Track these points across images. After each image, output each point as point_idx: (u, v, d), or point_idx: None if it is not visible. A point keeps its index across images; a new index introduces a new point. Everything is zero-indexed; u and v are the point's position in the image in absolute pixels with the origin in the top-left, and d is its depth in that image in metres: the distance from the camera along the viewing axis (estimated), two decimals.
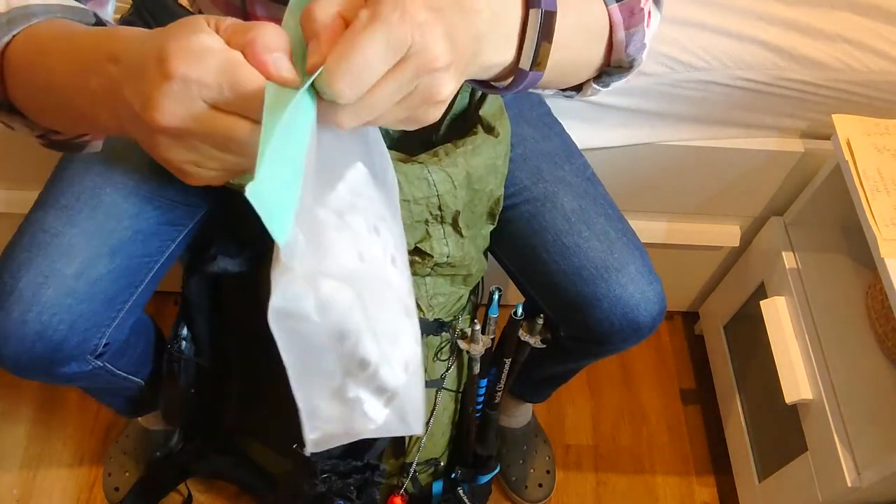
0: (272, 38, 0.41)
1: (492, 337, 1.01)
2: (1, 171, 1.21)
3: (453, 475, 1.17)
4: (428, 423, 1.05)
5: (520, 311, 0.99)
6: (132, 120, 0.42)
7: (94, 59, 0.46)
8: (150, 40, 0.42)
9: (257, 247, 0.92)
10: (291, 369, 0.41)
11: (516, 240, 0.93)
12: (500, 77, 0.54)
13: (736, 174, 1.23)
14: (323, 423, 0.44)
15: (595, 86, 0.66)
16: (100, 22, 0.59)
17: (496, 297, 0.98)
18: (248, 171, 0.41)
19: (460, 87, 0.50)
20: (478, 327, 0.97)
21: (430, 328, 0.95)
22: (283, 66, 0.41)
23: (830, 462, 1.05)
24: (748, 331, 1.33)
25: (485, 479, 1.22)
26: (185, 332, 1.04)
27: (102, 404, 1.17)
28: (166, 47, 0.40)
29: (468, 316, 1.02)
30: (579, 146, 0.98)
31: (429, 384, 1.01)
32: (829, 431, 1.05)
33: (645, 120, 1.14)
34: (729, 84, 1.09)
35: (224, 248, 0.94)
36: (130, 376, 0.99)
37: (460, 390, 1.07)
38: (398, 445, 1.08)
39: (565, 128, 1.00)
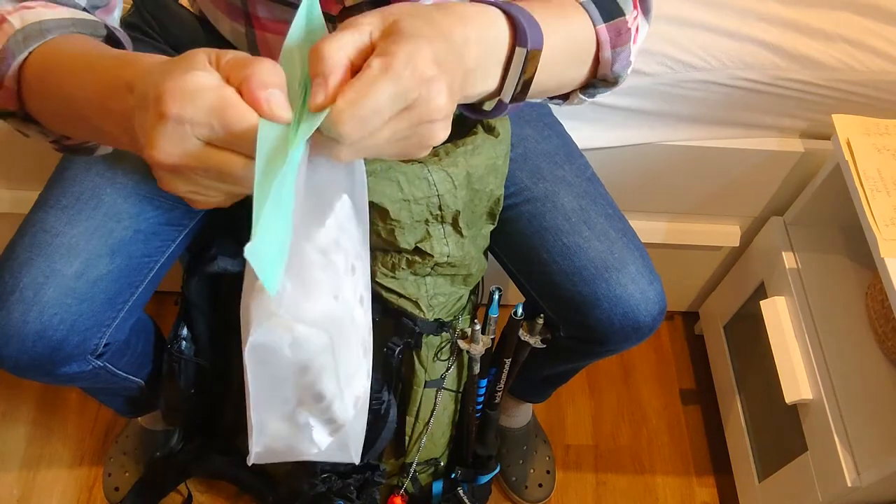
0: (268, 75, 0.42)
1: (492, 337, 1.01)
2: (2, 171, 1.21)
3: (453, 475, 1.17)
4: (428, 423, 1.05)
5: (520, 311, 0.99)
6: (141, 151, 0.44)
7: (114, 87, 0.48)
8: (154, 74, 0.44)
9: None
10: (252, 391, 0.43)
11: (516, 240, 0.93)
12: (482, 101, 0.56)
13: (736, 174, 1.23)
14: (269, 440, 0.47)
15: (581, 96, 0.67)
16: (111, 34, 0.61)
17: (496, 297, 0.98)
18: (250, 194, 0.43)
19: None
20: (478, 327, 0.97)
21: (430, 328, 0.95)
22: (276, 102, 0.42)
23: (830, 462, 1.05)
24: (748, 331, 1.34)
25: (485, 479, 1.22)
26: (185, 332, 1.04)
27: (102, 404, 1.17)
28: (161, 86, 0.42)
29: (468, 316, 1.02)
30: (579, 146, 0.98)
31: (429, 384, 1.01)
32: (829, 431, 1.05)
33: (645, 120, 1.14)
34: (729, 84, 1.09)
35: (224, 248, 0.94)
36: (130, 376, 0.99)
37: (460, 390, 1.07)
38: (398, 445, 1.08)
39: (565, 128, 1.00)
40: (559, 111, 1.02)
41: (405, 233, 0.85)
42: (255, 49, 0.81)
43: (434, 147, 0.48)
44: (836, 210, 1.19)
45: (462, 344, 0.99)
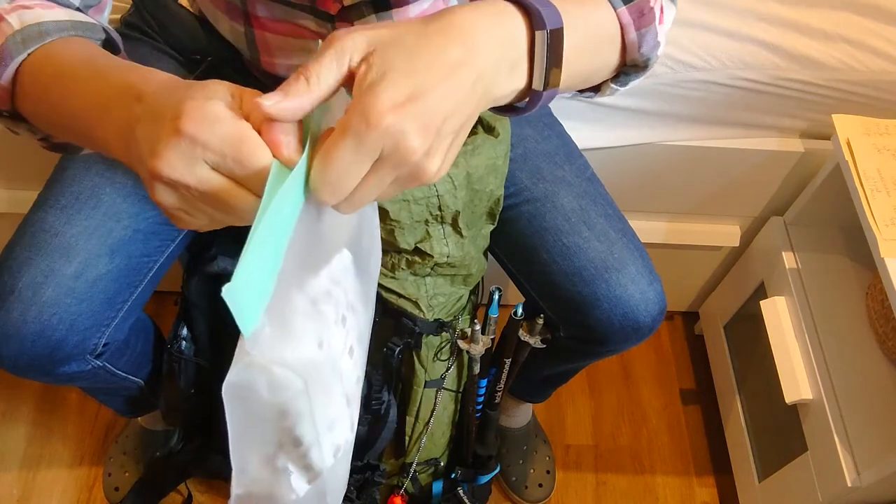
0: (288, 123, 0.44)
1: (492, 337, 1.01)
2: (1, 171, 1.21)
3: (453, 475, 1.17)
4: (428, 423, 1.05)
5: (520, 311, 0.99)
6: (138, 159, 0.45)
7: (120, 94, 0.48)
8: (174, 92, 0.45)
9: None
10: (232, 431, 0.44)
11: (516, 240, 0.93)
12: (517, 99, 0.54)
13: (736, 174, 1.23)
14: (250, 483, 0.47)
15: (613, 86, 0.65)
16: (109, 38, 0.61)
17: (496, 297, 0.98)
18: (235, 224, 0.45)
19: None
20: (478, 327, 0.97)
21: (430, 328, 0.95)
22: (292, 148, 0.44)
23: (830, 462, 1.05)
24: (748, 331, 1.33)
25: (485, 479, 1.22)
26: (185, 332, 1.04)
27: (102, 404, 1.17)
28: (183, 105, 0.42)
29: (468, 316, 1.02)
30: (579, 146, 0.98)
31: (429, 384, 1.01)
32: (829, 431, 1.05)
33: (645, 120, 1.14)
34: (729, 84, 1.09)
35: (224, 248, 0.94)
36: (130, 376, 0.99)
37: (460, 390, 1.07)
38: (398, 445, 1.08)
39: (565, 128, 1.00)
40: (559, 111, 1.02)
41: (405, 233, 0.85)
42: (254, 48, 0.81)
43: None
44: (836, 210, 1.19)
45: (462, 344, 0.99)
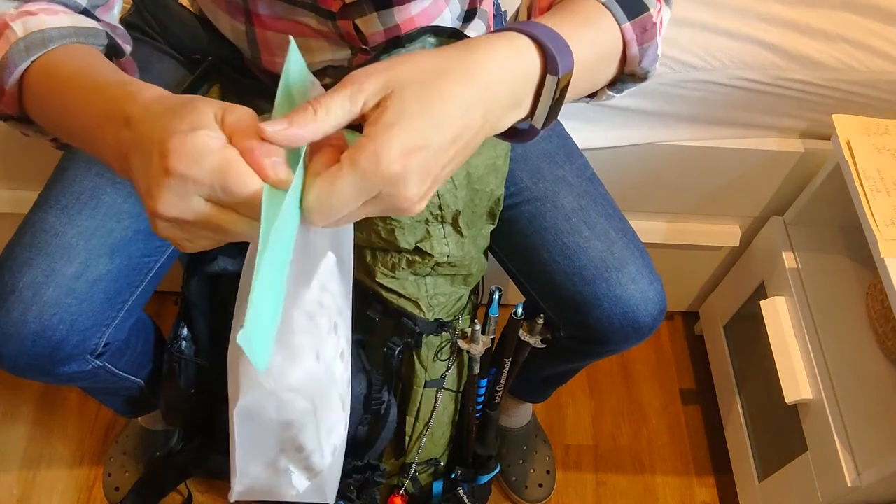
0: (270, 145, 0.44)
1: (492, 337, 1.01)
2: (2, 171, 1.21)
3: (453, 475, 1.17)
4: (428, 423, 1.05)
5: (520, 311, 0.99)
6: (138, 191, 0.46)
7: (109, 118, 0.49)
8: (160, 120, 0.45)
9: None
10: (238, 444, 0.46)
11: (516, 239, 0.93)
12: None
13: (736, 174, 1.23)
14: (250, 480, 0.49)
15: (609, 92, 0.66)
16: (112, 42, 0.62)
17: (496, 297, 0.98)
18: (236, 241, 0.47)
19: None
20: (478, 327, 0.97)
21: (430, 328, 0.95)
22: (280, 169, 0.44)
23: (830, 462, 1.05)
24: (748, 331, 1.34)
25: (485, 479, 1.22)
26: (185, 332, 1.04)
27: (102, 404, 1.17)
28: (169, 142, 0.43)
29: (468, 316, 1.02)
30: (579, 146, 0.98)
31: (429, 384, 1.01)
32: (829, 431, 1.05)
33: (645, 120, 1.14)
34: (729, 84, 1.09)
35: (224, 248, 0.94)
36: (130, 376, 0.99)
37: (460, 390, 1.07)
38: (398, 445, 1.08)
39: (566, 128, 1.00)
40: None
41: (405, 232, 0.85)
42: (255, 47, 0.81)
43: None
44: (836, 210, 1.19)
45: (462, 344, 0.99)
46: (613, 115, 1.13)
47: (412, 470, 1.11)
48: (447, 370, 1.01)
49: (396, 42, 0.77)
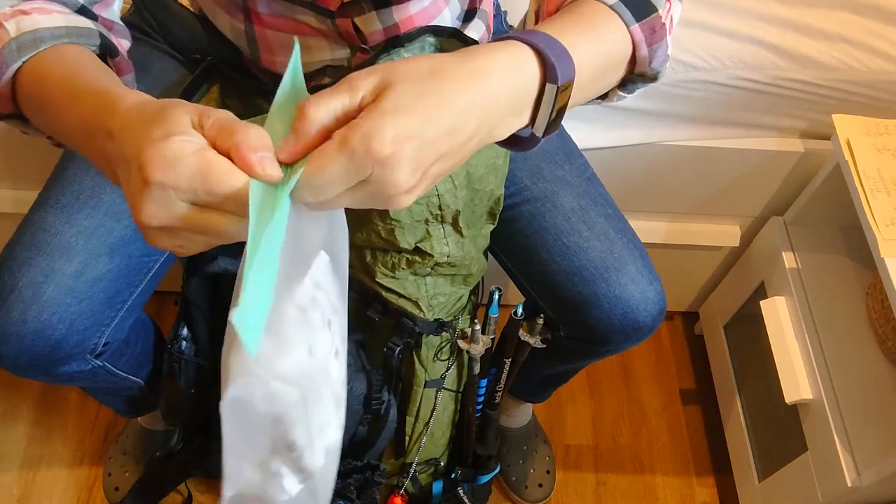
0: (256, 139, 0.44)
1: (492, 337, 1.01)
2: (2, 171, 1.21)
3: (453, 475, 1.17)
4: (428, 423, 1.05)
5: (520, 311, 0.98)
6: (130, 209, 0.46)
7: (93, 130, 0.49)
8: (137, 130, 0.45)
9: None
10: (227, 439, 0.45)
11: (516, 239, 0.93)
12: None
13: (736, 174, 1.23)
14: (241, 485, 0.48)
15: (620, 93, 0.65)
16: (105, 41, 0.62)
17: (496, 297, 0.98)
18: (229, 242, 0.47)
19: None
20: (478, 327, 0.97)
21: (430, 328, 0.95)
22: (267, 164, 0.44)
23: (830, 462, 1.05)
24: (748, 331, 1.33)
25: (485, 479, 1.22)
26: (185, 332, 1.04)
27: (102, 404, 1.17)
28: (144, 153, 0.43)
29: (468, 316, 1.02)
30: (579, 146, 0.98)
31: (429, 384, 1.01)
32: (829, 431, 1.05)
33: (645, 120, 1.14)
34: (729, 84, 1.09)
35: (224, 248, 0.94)
36: (130, 376, 0.99)
37: (460, 390, 1.07)
38: (398, 445, 1.08)
39: (566, 128, 1.00)
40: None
41: (405, 232, 0.85)
42: (254, 46, 0.81)
43: None
44: (836, 210, 1.19)
45: (462, 344, 0.99)
46: (613, 115, 1.13)
47: (412, 470, 1.11)
48: (447, 370, 1.01)
49: (396, 41, 0.77)
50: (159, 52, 0.89)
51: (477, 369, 1.04)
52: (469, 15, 0.86)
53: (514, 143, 0.57)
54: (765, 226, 1.29)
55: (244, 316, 0.40)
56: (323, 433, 0.51)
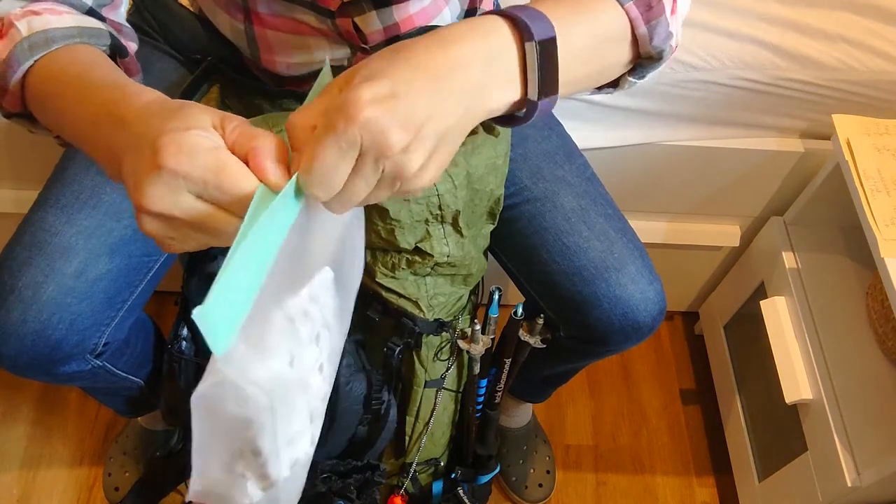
0: (274, 149, 0.45)
1: (492, 337, 1.01)
2: (3, 171, 1.21)
3: (453, 475, 1.17)
4: (428, 423, 1.05)
5: (520, 311, 0.98)
6: (127, 189, 0.46)
7: (106, 121, 0.49)
8: (153, 121, 0.46)
9: None
10: (196, 436, 0.45)
11: (516, 239, 0.93)
12: (515, 108, 0.55)
13: (736, 174, 1.23)
14: (208, 483, 0.49)
15: (631, 79, 0.65)
16: (115, 42, 0.62)
17: (496, 297, 0.98)
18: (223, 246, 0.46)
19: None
20: (478, 327, 0.97)
21: (430, 328, 0.95)
22: (281, 174, 0.45)
23: (830, 462, 1.05)
24: (748, 331, 1.33)
25: (485, 479, 1.22)
26: (185, 332, 1.04)
27: (102, 404, 1.17)
28: (161, 138, 0.43)
29: (468, 316, 1.02)
30: (579, 146, 0.98)
31: (429, 384, 1.00)
32: (829, 431, 1.05)
33: (645, 120, 1.14)
34: (729, 84, 1.09)
35: (224, 249, 0.94)
36: (130, 376, 0.99)
37: (460, 390, 1.07)
38: (398, 445, 1.08)
39: (566, 128, 1.00)
40: (559, 111, 1.02)
41: (405, 232, 0.85)
42: (254, 46, 0.81)
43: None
44: (836, 210, 1.19)
45: (462, 344, 0.99)
46: (613, 115, 1.13)
47: (412, 470, 1.11)
48: (447, 370, 1.01)
49: (395, 41, 0.77)
50: (159, 52, 0.89)
51: (477, 369, 1.04)
52: (469, 14, 0.86)
53: (516, 119, 0.56)
54: (765, 226, 1.29)
55: (209, 315, 0.40)
56: (292, 445, 0.51)
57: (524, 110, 0.54)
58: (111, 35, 0.62)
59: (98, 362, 0.87)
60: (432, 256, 0.87)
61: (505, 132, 0.88)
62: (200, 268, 0.96)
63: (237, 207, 0.44)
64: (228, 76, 0.86)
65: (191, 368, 1.06)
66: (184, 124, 0.44)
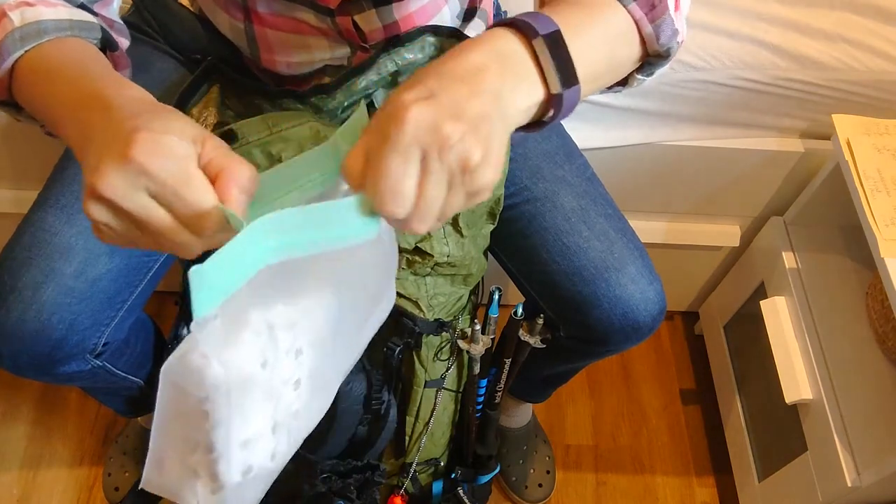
0: (245, 178, 0.46)
1: (492, 337, 1.01)
2: (3, 170, 1.21)
3: (453, 475, 1.17)
4: (428, 423, 1.05)
5: (520, 311, 0.98)
6: (85, 167, 0.46)
7: (90, 103, 0.50)
8: (137, 115, 0.46)
9: None
10: (158, 418, 0.46)
11: (516, 239, 0.93)
12: (544, 112, 0.55)
13: (736, 174, 1.23)
14: (162, 473, 0.49)
15: (639, 77, 0.66)
16: (106, 36, 0.62)
17: (496, 297, 0.98)
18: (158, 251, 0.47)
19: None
20: (478, 327, 0.97)
21: (430, 328, 0.95)
22: (242, 203, 0.46)
23: (830, 462, 1.05)
24: (748, 331, 1.33)
25: (485, 479, 1.22)
26: (185, 332, 1.03)
27: (102, 404, 1.17)
28: (139, 133, 0.44)
29: (468, 316, 1.02)
30: (579, 146, 0.98)
31: (429, 384, 1.00)
32: (829, 431, 1.05)
33: (645, 120, 1.14)
34: (729, 84, 1.09)
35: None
36: (130, 376, 0.99)
37: (460, 390, 1.07)
38: (398, 445, 1.08)
39: (566, 128, 1.00)
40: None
41: (405, 232, 0.85)
42: (254, 45, 0.81)
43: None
44: (836, 210, 1.19)
45: (462, 344, 0.99)
46: (613, 115, 1.13)
47: (412, 470, 1.11)
48: (447, 370, 1.01)
49: (396, 41, 0.77)
50: (159, 52, 0.89)
51: (477, 369, 1.04)
52: (469, 14, 0.86)
53: (539, 123, 0.57)
54: (765, 226, 1.29)
55: (205, 275, 0.40)
56: (246, 449, 0.50)
57: (551, 112, 0.55)
58: (102, 29, 0.62)
59: (98, 362, 0.87)
60: (432, 256, 0.87)
61: None
62: None
63: (187, 219, 0.45)
64: (228, 76, 0.86)
65: None
66: (165, 127, 0.45)
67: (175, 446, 0.48)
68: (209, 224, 0.45)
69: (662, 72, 0.67)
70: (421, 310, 0.93)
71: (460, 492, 1.19)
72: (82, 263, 0.79)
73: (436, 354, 0.99)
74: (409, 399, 1.02)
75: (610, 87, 0.66)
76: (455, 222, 0.87)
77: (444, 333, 0.97)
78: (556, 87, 0.53)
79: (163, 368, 0.43)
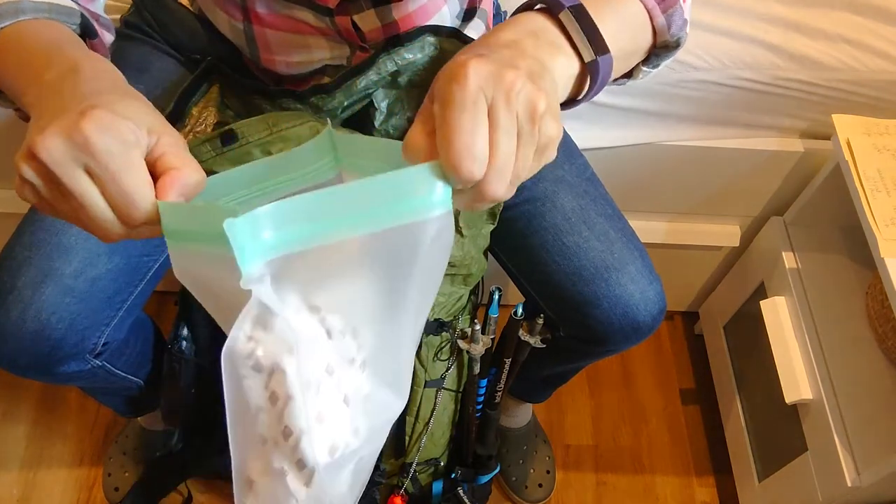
0: (190, 182, 0.46)
1: (492, 337, 1.01)
2: (2, 171, 1.21)
3: (453, 475, 1.17)
4: (428, 423, 1.05)
5: (520, 311, 0.98)
6: (31, 125, 0.46)
7: (58, 63, 0.50)
8: (102, 92, 0.46)
9: None
10: (232, 430, 0.44)
11: (516, 239, 0.92)
12: (578, 88, 0.57)
13: (736, 174, 1.23)
14: (253, 492, 0.47)
15: (645, 69, 0.67)
16: (85, 22, 0.62)
17: (496, 297, 0.98)
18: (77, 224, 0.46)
19: None
20: (478, 327, 0.97)
21: (430, 328, 0.95)
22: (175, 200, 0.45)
23: (830, 462, 1.05)
24: (748, 331, 1.33)
25: (485, 479, 1.22)
26: (185, 332, 1.04)
27: (102, 404, 1.17)
28: (96, 110, 0.44)
29: (468, 316, 1.02)
30: (579, 146, 0.98)
31: (429, 384, 1.01)
32: (829, 431, 1.05)
33: (645, 120, 1.14)
34: (729, 84, 1.09)
35: None
36: (129, 376, 0.99)
37: (460, 390, 1.07)
38: (398, 445, 1.08)
39: (565, 128, 0.99)
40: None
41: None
42: (253, 45, 0.81)
43: None
44: (836, 210, 1.19)
45: (462, 344, 0.99)
46: (613, 115, 1.13)
47: (412, 470, 1.11)
48: (447, 370, 1.01)
49: (395, 41, 0.77)
50: (159, 52, 0.89)
51: (477, 369, 1.04)
52: (469, 14, 0.86)
53: (577, 97, 0.58)
54: (765, 226, 1.29)
55: (244, 226, 0.39)
56: (322, 423, 0.48)
57: (588, 83, 0.56)
58: (82, 16, 0.62)
59: (97, 362, 0.87)
60: None
61: None
62: None
63: (116, 205, 0.44)
64: (228, 76, 0.86)
65: (191, 369, 1.06)
66: (125, 111, 0.45)
67: (255, 452, 0.46)
68: (137, 215, 0.45)
69: (667, 63, 0.68)
70: None
71: (460, 492, 1.19)
72: (82, 263, 0.79)
73: (436, 354, 0.99)
74: (410, 399, 1.02)
75: (615, 80, 0.67)
76: (455, 222, 0.87)
77: (444, 333, 0.97)
78: (588, 55, 0.55)
79: (223, 355, 0.42)
